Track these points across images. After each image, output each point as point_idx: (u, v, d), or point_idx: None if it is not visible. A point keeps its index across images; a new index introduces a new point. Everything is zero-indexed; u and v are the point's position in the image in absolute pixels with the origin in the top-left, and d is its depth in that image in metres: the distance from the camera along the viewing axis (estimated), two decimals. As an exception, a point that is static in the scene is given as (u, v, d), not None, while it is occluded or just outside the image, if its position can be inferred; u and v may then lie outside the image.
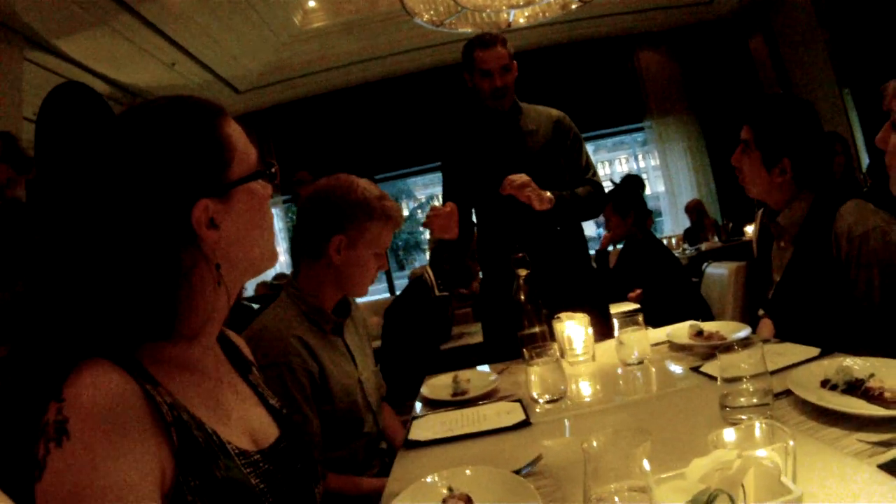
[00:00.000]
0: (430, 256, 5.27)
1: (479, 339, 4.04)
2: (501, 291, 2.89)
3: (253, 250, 1.29)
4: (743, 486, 0.91)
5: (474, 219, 3.62)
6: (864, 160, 8.17)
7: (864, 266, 2.29)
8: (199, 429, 1.15)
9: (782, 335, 2.57)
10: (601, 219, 5.62)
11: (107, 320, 1.13)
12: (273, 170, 1.32)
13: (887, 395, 1.50)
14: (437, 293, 5.07)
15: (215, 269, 1.22)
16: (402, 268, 11.28)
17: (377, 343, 5.27)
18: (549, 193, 3.19)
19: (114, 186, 1.14)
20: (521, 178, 3.11)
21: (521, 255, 2.55)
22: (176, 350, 1.22)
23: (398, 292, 6.39)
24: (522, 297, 2.55)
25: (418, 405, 2.44)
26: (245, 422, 1.35)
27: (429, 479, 1.51)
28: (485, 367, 2.85)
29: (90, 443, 0.98)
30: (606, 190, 3.60)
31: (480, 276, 3.96)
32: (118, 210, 1.13)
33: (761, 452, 0.93)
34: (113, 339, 1.13)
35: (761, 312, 2.96)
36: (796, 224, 2.51)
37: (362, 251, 2.30)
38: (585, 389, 2.35)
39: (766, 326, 2.84)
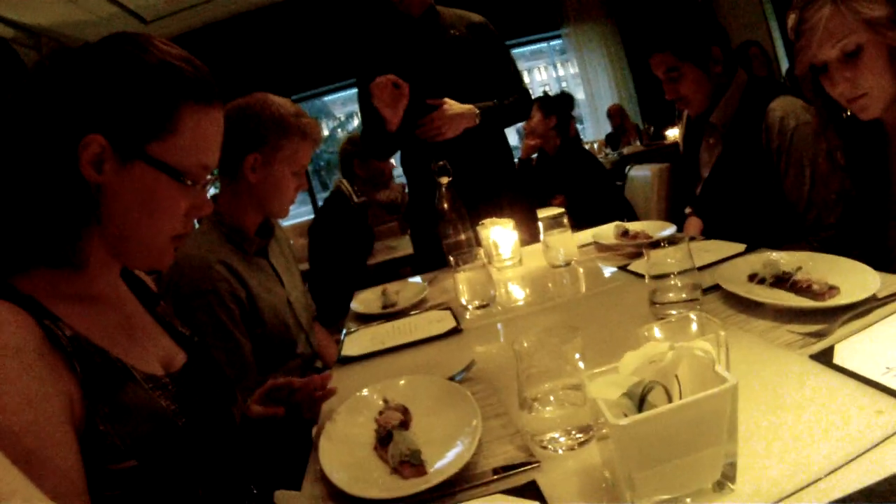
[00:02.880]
0: (341, 165, 5.22)
1: (408, 251, 4.03)
2: (426, 201, 2.86)
3: (136, 233, 1.23)
4: (677, 377, 0.91)
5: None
6: (784, 65, 8.29)
7: (793, 162, 2.33)
8: (103, 357, 1.13)
9: (709, 233, 2.61)
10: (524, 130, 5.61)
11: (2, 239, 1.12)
12: (189, 183, 1.24)
13: (815, 287, 1.52)
14: (355, 200, 5.04)
15: (94, 218, 1.17)
16: (325, 188, 11.13)
17: (305, 265, 5.24)
18: (473, 107, 3.13)
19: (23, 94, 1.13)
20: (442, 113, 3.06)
21: (441, 162, 2.52)
22: (77, 284, 1.19)
23: (321, 211, 6.32)
24: (446, 206, 2.53)
25: (350, 322, 2.41)
26: (154, 350, 1.34)
27: (364, 393, 1.50)
28: (415, 279, 2.83)
29: None
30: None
31: (405, 186, 3.91)
32: (18, 122, 1.12)
33: (694, 343, 0.93)
34: (6, 260, 1.12)
35: (688, 210, 3.01)
36: (728, 119, 2.53)
37: (278, 169, 2.25)
38: (515, 293, 2.36)
39: (693, 225, 2.89)
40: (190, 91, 1.21)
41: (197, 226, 2.25)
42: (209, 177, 1.31)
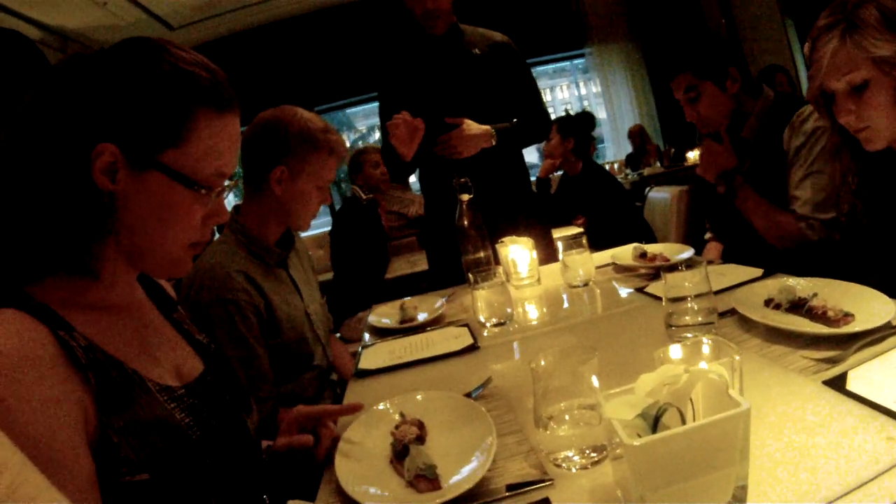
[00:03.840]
0: (350, 169, 5.38)
1: (424, 266, 4.04)
2: (445, 218, 2.88)
3: (151, 243, 1.21)
4: (691, 399, 0.92)
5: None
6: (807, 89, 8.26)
7: (809, 162, 2.39)
8: (118, 368, 1.13)
9: (728, 258, 2.62)
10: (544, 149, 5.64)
11: (15, 246, 1.12)
12: (204, 191, 1.22)
13: (830, 313, 1.53)
14: (363, 197, 5.12)
15: (109, 227, 1.17)
16: (343, 200, 11.18)
17: (328, 275, 5.30)
18: (490, 128, 3.14)
19: (41, 100, 1.12)
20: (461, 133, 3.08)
21: (463, 179, 2.54)
22: (92, 293, 1.19)
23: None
24: (466, 223, 2.55)
25: (367, 335, 2.43)
26: (170, 360, 1.33)
27: (381, 406, 1.51)
28: (434, 295, 2.82)
29: (2, 393, 0.94)
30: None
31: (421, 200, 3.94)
32: (34, 131, 1.11)
33: (708, 367, 0.94)
34: (20, 269, 1.11)
35: (709, 236, 3.01)
36: (756, 131, 2.59)
37: (304, 183, 2.27)
38: (532, 312, 2.37)
39: (714, 249, 2.90)
40: (204, 97, 1.19)
41: (217, 235, 2.27)
42: (227, 183, 1.29)
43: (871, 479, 0.91)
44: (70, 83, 1.12)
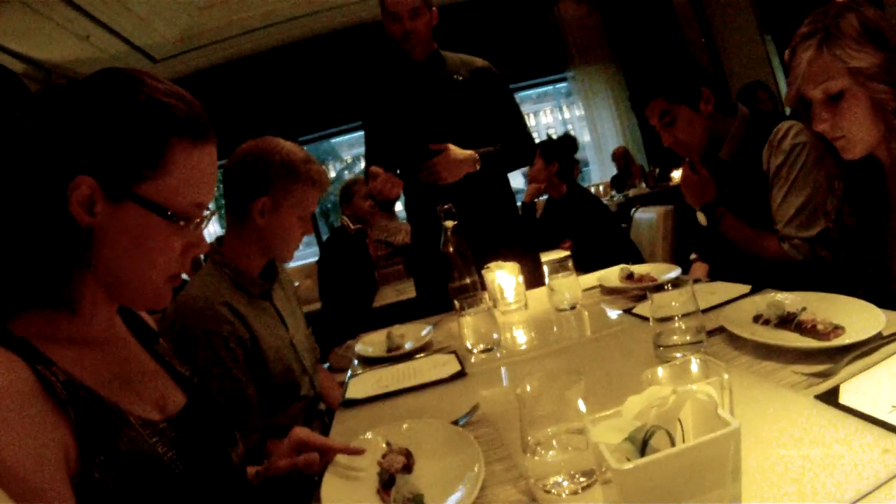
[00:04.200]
0: (342, 198, 5.42)
1: (411, 294, 4.03)
2: (430, 245, 2.87)
3: (130, 275, 1.20)
4: (680, 420, 0.90)
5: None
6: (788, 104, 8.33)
7: (790, 179, 2.40)
8: (98, 403, 1.11)
9: (715, 276, 2.62)
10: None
11: None
12: (183, 223, 1.21)
13: (820, 327, 1.52)
14: (351, 228, 5.14)
15: (87, 260, 1.15)
16: (332, 229, 11.19)
17: (316, 305, 5.29)
18: (474, 153, 3.16)
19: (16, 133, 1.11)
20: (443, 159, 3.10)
21: (447, 206, 2.53)
22: (71, 327, 1.17)
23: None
24: (451, 249, 2.54)
25: (354, 363, 2.40)
26: (152, 393, 1.31)
27: (367, 436, 1.49)
28: (421, 323, 2.81)
29: None
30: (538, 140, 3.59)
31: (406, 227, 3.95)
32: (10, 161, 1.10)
33: (696, 387, 0.92)
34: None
35: (694, 256, 3.01)
36: (735, 151, 2.59)
37: (286, 214, 2.26)
38: (520, 337, 2.35)
39: (700, 269, 2.89)
40: (180, 128, 1.18)
41: (201, 262, 2.25)
42: (205, 213, 1.28)
43: (870, 493, 0.89)
44: (46, 115, 1.11)
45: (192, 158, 1.21)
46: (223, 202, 2.29)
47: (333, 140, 11.33)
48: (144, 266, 1.20)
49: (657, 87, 2.60)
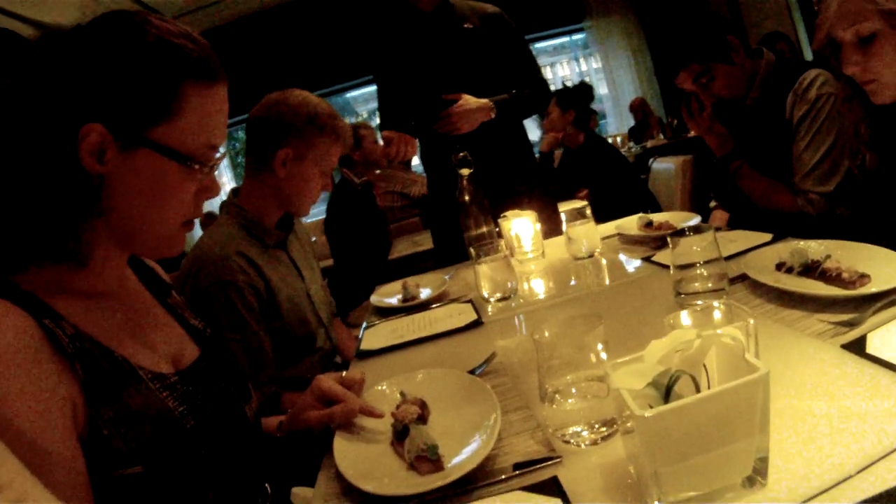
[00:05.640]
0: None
1: (428, 246, 4.01)
2: (447, 194, 2.84)
3: (143, 222, 1.18)
4: (705, 366, 0.87)
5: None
6: (809, 56, 8.20)
7: (815, 129, 2.34)
8: (106, 357, 1.09)
9: (734, 225, 2.58)
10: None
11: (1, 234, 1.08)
12: (197, 166, 1.18)
13: (845, 275, 1.47)
14: (357, 182, 5.09)
15: (98, 210, 1.13)
16: (334, 186, 11.14)
17: (329, 262, 5.25)
18: (489, 101, 3.12)
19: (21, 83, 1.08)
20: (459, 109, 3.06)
21: (462, 154, 2.48)
22: (81, 280, 1.15)
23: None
24: (467, 198, 2.50)
25: (369, 315, 2.38)
26: (164, 346, 1.29)
27: (381, 387, 1.47)
28: (436, 273, 2.80)
29: None
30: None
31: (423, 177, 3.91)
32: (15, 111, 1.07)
33: (722, 331, 0.89)
34: (5, 257, 1.08)
35: (714, 204, 2.96)
36: (759, 96, 2.53)
37: (308, 166, 2.25)
38: (537, 286, 2.32)
39: (719, 217, 2.85)
40: (192, 69, 1.15)
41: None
42: (217, 156, 1.25)
43: (899, 446, 0.86)
44: (49, 63, 1.08)
45: (205, 100, 1.18)
46: (240, 160, 2.28)
47: (348, 94, 11.21)
48: (159, 212, 1.18)
49: (687, 53, 2.51)
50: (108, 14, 1.15)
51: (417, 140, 3.03)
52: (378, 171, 5.63)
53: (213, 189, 1.28)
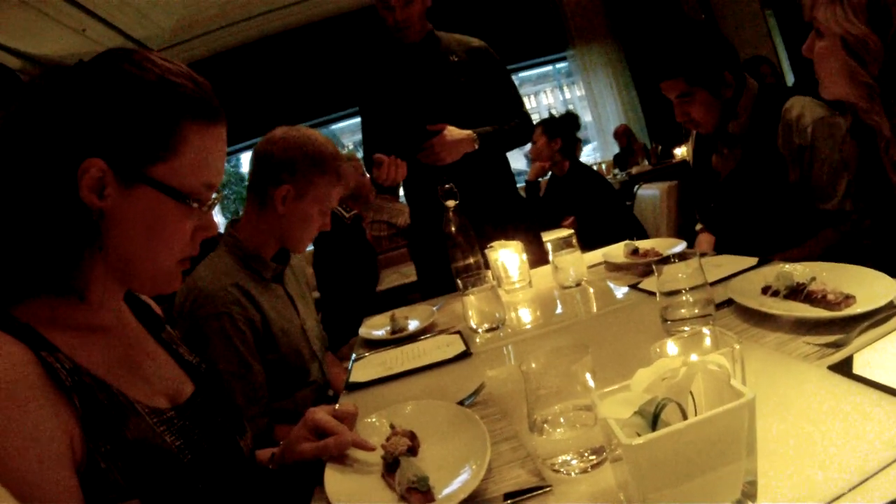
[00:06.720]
0: None
1: (415, 277, 4.01)
2: (432, 226, 2.85)
3: (141, 259, 1.18)
4: (691, 393, 0.87)
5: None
6: (790, 80, 8.29)
7: (818, 156, 2.35)
8: (105, 391, 1.09)
9: (721, 249, 2.59)
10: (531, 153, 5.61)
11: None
12: (195, 205, 1.20)
13: (830, 297, 1.49)
14: (346, 215, 5.09)
15: (97, 244, 1.13)
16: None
17: (316, 294, 5.24)
18: (472, 133, 3.13)
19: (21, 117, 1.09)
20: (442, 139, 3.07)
21: (448, 185, 2.50)
22: (78, 314, 1.16)
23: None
24: (453, 229, 2.51)
25: (358, 348, 2.38)
26: (159, 381, 1.30)
27: (371, 419, 1.47)
28: (424, 304, 2.79)
29: None
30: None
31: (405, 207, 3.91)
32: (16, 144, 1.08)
33: (707, 357, 0.89)
34: (4, 290, 1.08)
35: (699, 227, 2.98)
36: (745, 126, 2.53)
37: (308, 205, 2.27)
38: (525, 316, 2.33)
39: (705, 241, 2.86)
40: (192, 109, 1.17)
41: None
42: (214, 196, 1.26)
43: (887, 466, 0.86)
44: (52, 98, 1.09)
45: (205, 140, 1.20)
46: (226, 192, 2.29)
47: (334, 126, 11.23)
48: (156, 249, 1.19)
49: (677, 67, 2.50)
50: (110, 51, 1.16)
51: (406, 163, 3.03)
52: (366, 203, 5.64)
53: (211, 228, 1.29)
